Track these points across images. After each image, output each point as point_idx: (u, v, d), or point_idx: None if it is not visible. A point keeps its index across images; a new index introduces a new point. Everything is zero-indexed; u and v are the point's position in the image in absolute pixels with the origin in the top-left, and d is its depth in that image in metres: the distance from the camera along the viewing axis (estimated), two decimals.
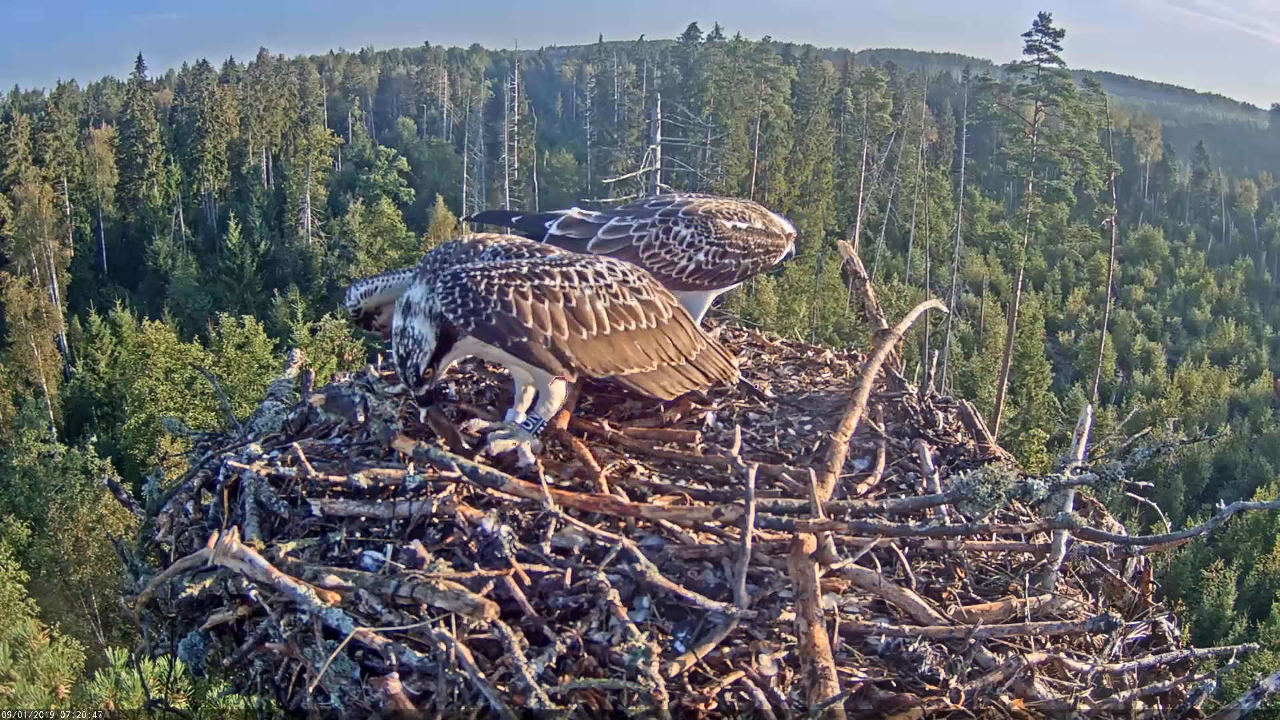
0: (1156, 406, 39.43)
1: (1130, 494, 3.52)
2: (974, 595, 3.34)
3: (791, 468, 3.81)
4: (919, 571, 3.37)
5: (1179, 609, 3.82)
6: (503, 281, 3.35)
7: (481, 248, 3.70)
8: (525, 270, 3.42)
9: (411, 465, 3.42)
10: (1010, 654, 2.98)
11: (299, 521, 3.35)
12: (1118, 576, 3.63)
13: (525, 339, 3.33)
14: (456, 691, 2.63)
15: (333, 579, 2.94)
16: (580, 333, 3.43)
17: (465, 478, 3.25)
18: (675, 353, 3.73)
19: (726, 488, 3.59)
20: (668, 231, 4.55)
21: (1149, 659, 3.33)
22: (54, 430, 31.83)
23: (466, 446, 3.55)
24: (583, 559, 3.11)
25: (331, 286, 46.94)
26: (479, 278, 3.34)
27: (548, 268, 3.46)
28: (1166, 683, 3.25)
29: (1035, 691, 2.94)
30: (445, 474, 3.28)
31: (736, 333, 5.47)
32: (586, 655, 2.74)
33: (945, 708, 2.74)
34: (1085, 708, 2.95)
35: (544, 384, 3.70)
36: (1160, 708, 3.21)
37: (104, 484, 21.95)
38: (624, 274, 3.65)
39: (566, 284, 3.45)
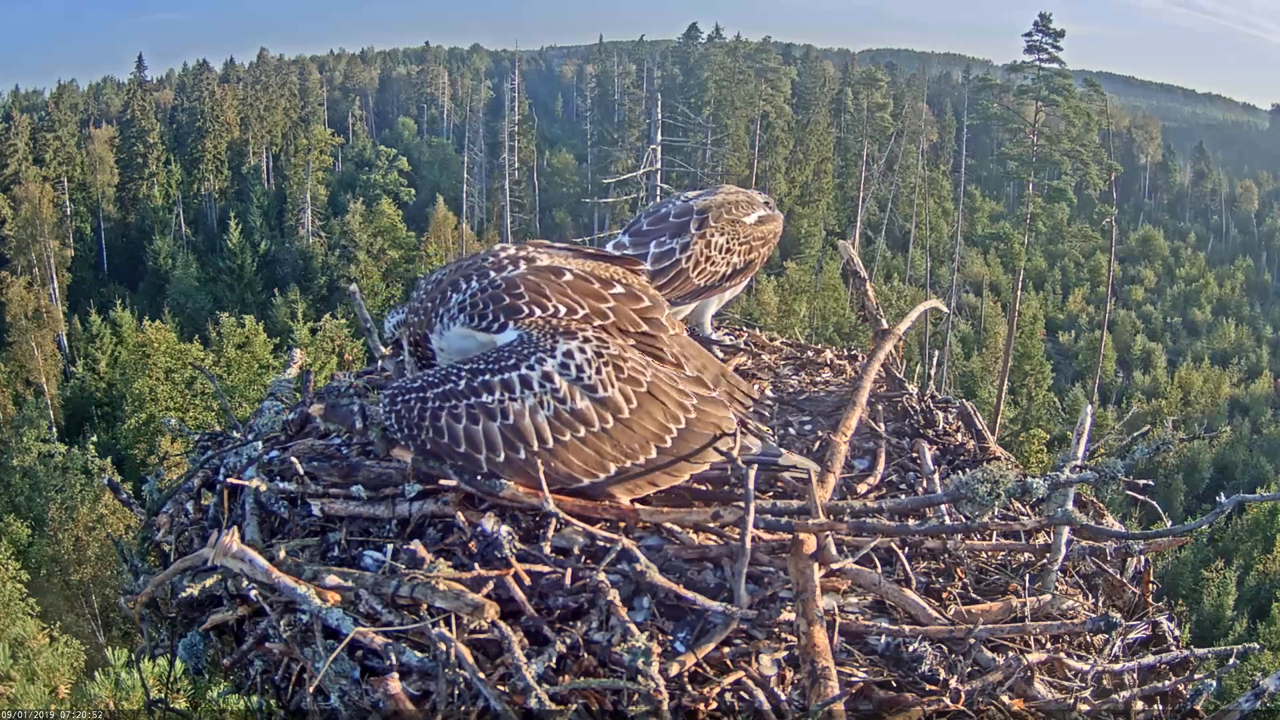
0: (1156, 406, 39.47)
1: (1130, 493, 3.52)
2: (974, 595, 3.34)
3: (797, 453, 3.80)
4: (919, 571, 3.37)
5: (1179, 609, 3.80)
6: (436, 404, 3.24)
7: (450, 294, 3.52)
8: (463, 386, 3.24)
9: (411, 472, 3.41)
10: (1010, 654, 2.98)
11: (299, 521, 3.35)
12: (1118, 576, 3.62)
13: (461, 462, 3.24)
14: (456, 691, 2.63)
15: (333, 579, 2.93)
16: (518, 451, 3.21)
17: (463, 485, 3.25)
18: (641, 447, 3.34)
19: (726, 488, 3.58)
20: (709, 244, 4.73)
21: (1149, 659, 3.33)
22: (54, 430, 31.85)
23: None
24: (583, 559, 3.11)
25: (332, 286, 46.98)
26: (413, 403, 3.27)
27: (488, 378, 3.24)
28: (1166, 683, 3.24)
29: (1035, 691, 2.94)
30: (444, 481, 3.28)
31: (737, 333, 5.47)
32: (586, 655, 2.73)
33: (945, 708, 2.73)
34: (1085, 708, 2.94)
35: None
36: (1160, 708, 3.20)
37: (104, 484, 21.96)
38: (580, 367, 3.29)
39: (506, 396, 3.22)
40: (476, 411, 3.22)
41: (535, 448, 3.21)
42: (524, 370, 3.26)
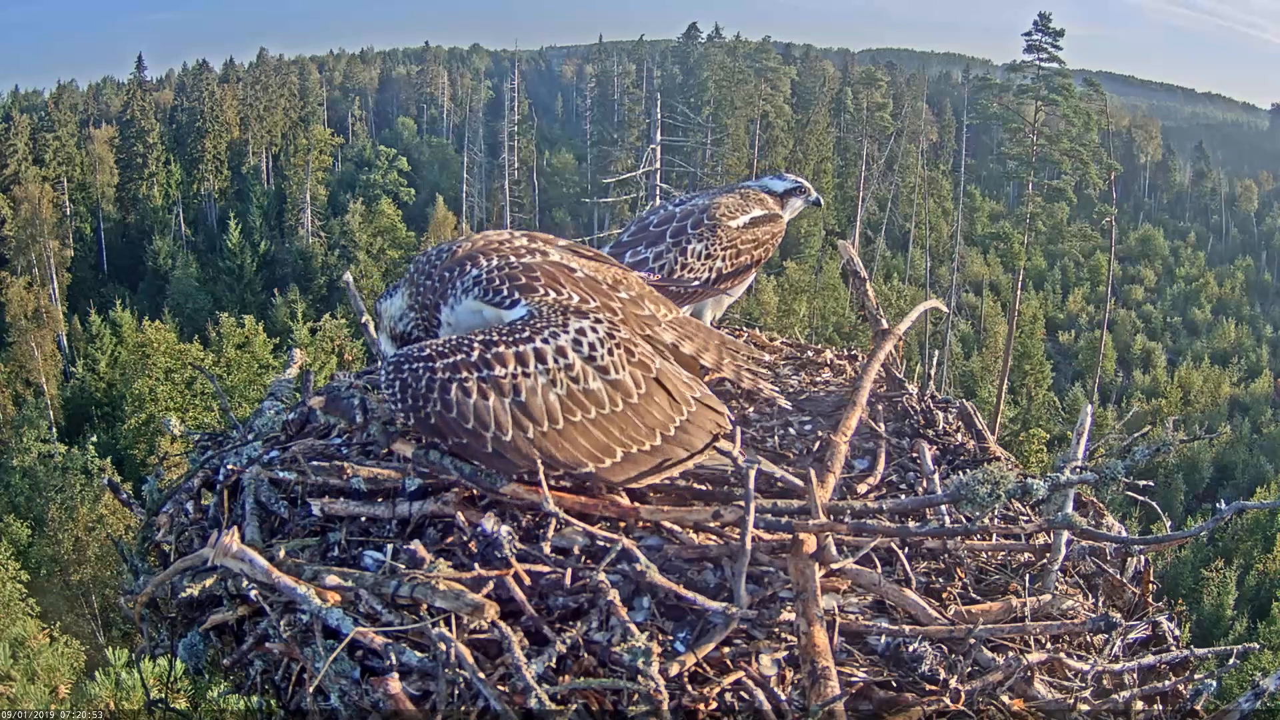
0: (1156, 406, 39.52)
1: (1130, 494, 3.52)
2: (974, 595, 3.34)
3: (791, 468, 3.81)
4: (919, 571, 3.37)
5: (1179, 609, 3.80)
6: (445, 375, 3.09)
7: (469, 268, 3.49)
8: (475, 357, 3.12)
9: (411, 468, 3.41)
10: (1010, 654, 2.98)
11: (299, 521, 3.35)
12: (1118, 576, 3.62)
13: (465, 440, 3.09)
14: (456, 691, 2.63)
15: (333, 579, 2.93)
16: (526, 430, 3.09)
17: (464, 481, 3.24)
18: (647, 433, 3.27)
19: (726, 488, 3.58)
20: (683, 251, 4.72)
21: (1149, 659, 3.32)
22: (54, 430, 31.88)
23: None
24: (583, 559, 3.11)
25: (331, 286, 47.01)
26: (421, 371, 3.11)
27: (501, 350, 3.13)
28: (1166, 683, 3.24)
29: (1035, 691, 2.94)
30: (444, 477, 3.28)
31: (737, 333, 5.47)
32: (586, 655, 2.73)
33: (945, 708, 2.73)
34: (1085, 708, 2.94)
35: None
36: (1160, 708, 3.20)
37: (104, 484, 21.97)
38: (592, 346, 3.23)
39: (519, 370, 3.11)
40: (487, 386, 3.10)
41: (544, 427, 3.13)
42: (539, 344, 3.18)
